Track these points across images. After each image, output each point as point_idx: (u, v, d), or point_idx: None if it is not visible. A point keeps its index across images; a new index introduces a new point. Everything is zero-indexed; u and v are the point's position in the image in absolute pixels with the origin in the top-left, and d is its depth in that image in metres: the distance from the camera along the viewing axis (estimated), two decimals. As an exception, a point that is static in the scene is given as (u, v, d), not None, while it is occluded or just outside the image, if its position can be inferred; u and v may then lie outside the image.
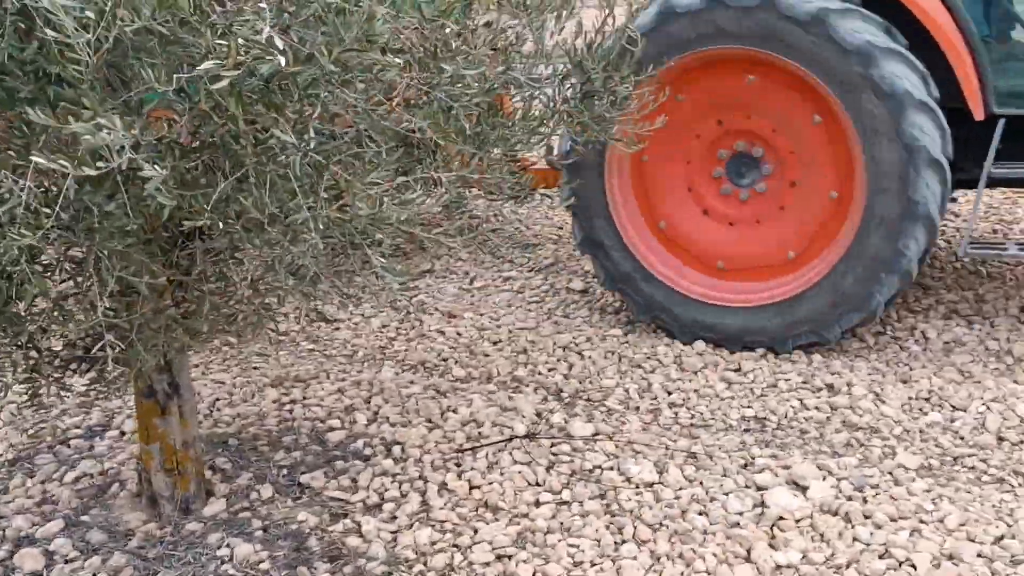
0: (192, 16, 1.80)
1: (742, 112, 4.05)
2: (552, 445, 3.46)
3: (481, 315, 4.75)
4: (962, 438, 3.35)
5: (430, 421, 3.68)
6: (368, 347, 4.45)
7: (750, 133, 4.09)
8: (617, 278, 4.28)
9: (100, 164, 1.73)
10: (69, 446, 3.56)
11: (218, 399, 3.92)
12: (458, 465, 3.38)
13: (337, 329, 4.65)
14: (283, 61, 1.78)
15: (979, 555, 2.67)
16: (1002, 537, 2.76)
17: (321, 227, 2.01)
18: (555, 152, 4.96)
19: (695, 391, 3.84)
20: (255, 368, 4.26)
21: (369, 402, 3.87)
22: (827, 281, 3.90)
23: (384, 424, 3.68)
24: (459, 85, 2.42)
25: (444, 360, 4.27)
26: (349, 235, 2.16)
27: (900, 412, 3.54)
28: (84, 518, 3.06)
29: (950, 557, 2.68)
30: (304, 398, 3.91)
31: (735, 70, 3.96)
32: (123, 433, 3.62)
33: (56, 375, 2.69)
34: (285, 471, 3.36)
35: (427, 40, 2.32)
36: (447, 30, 2.28)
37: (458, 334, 4.54)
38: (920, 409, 3.56)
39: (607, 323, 4.53)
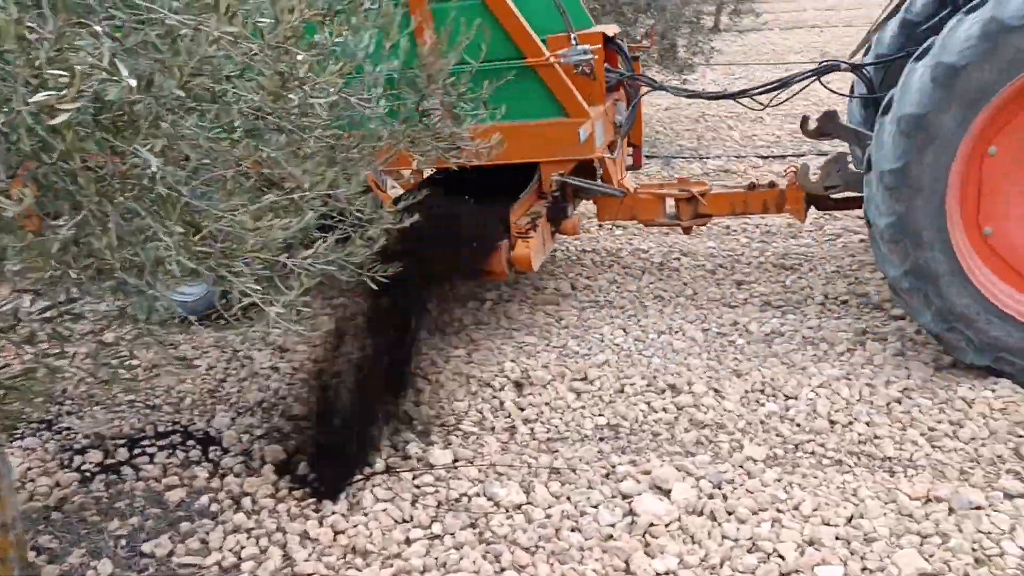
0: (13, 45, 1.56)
1: None
2: (414, 477, 3.35)
3: (316, 347, 4.53)
4: (799, 425, 3.56)
5: (278, 466, 3.46)
6: (196, 392, 4.13)
7: None
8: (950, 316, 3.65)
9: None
10: None
11: (30, 468, 3.50)
12: (317, 511, 3.19)
13: (156, 376, 4.29)
14: (133, 83, 1.58)
15: (837, 537, 2.84)
16: (852, 517, 2.94)
17: (181, 261, 1.81)
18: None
19: (546, 404, 3.85)
20: (67, 428, 3.85)
21: (207, 454, 3.58)
22: None
23: (228, 476, 3.42)
24: (306, 117, 2.28)
25: (282, 398, 4.04)
26: (210, 268, 1.97)
27: (740, 406, 3.72)
28: None
29: (811, 543, 2.83)
30: (132, 457, 3.57)
31: None
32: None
33: None
34: (123, 541, 3.04)
35: (272, 67, 2.16)
36: (297, 57, 2.13)
37: (294, 369, 4.31)
38: (757, 401, 3.76)
39: (450, 344, 4.46)
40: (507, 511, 3.13)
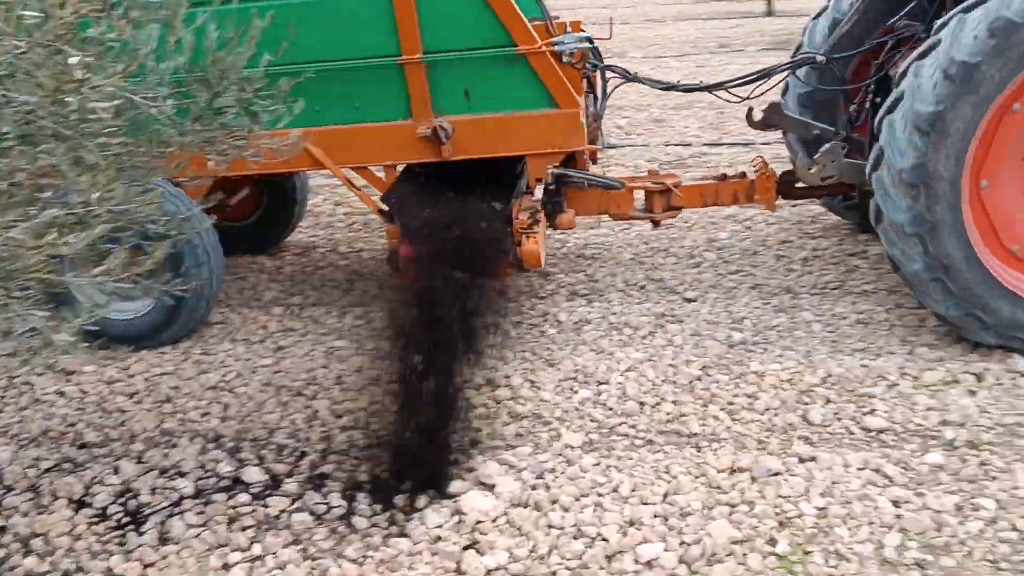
0: None
1: None
2: (228, 498, 3.18)
3: (120, 367, 4.20)
4: (611, 409, 3.69)
5: (73, 500, 3.18)
6: (-32, 427, 3.71)
7: None
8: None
9: None
10: None
11: None
12: (122, 544, 2.96)
13: (-83, 411, 3.82)
14: None
15: (655, 515, 2.96)
16: (667, 494, 3.08)
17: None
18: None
19: (363, 409, 3.77)
20: None
21: (-14, 494, 3.23)
22: None
23: (14, 516, 3.10)
24: (86, 123, 2.09)
25: (72, 425, 3.71)
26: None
27: (555, 395, 3.81)
28: None
29: (632, 523, 2.94)
30: None
31: None
32: None
33: None
34: None
35: (44, 67, 1.96)
36: (71, 59, 1.94)
37: (83, 392, 3.97)
38: (571, 388, 3.86)
39: (256, 353, 4.27)
40: (330, 524, 3.04)
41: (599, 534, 2.89)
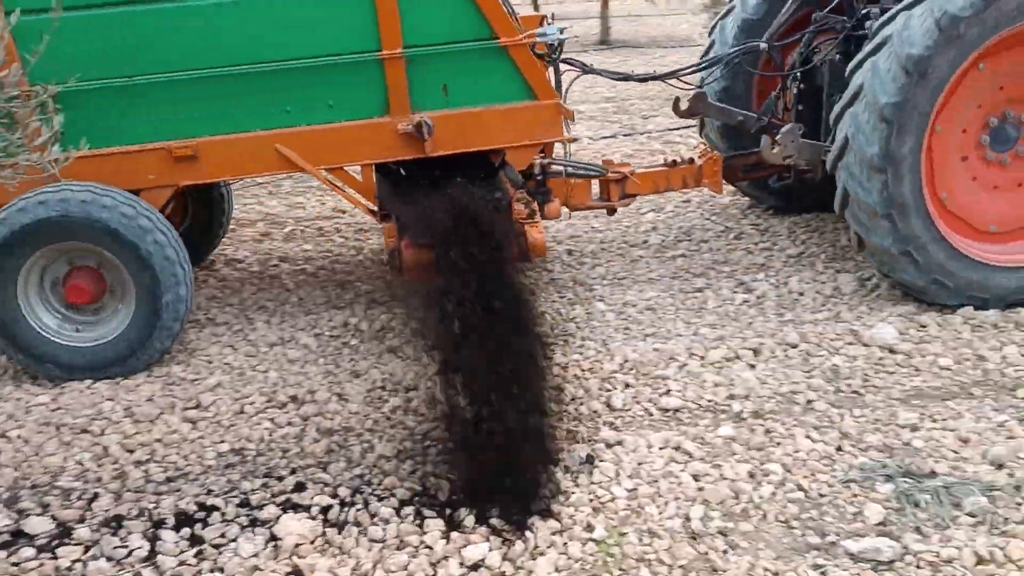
0: None
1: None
2: (8, 555, 2.86)
3: None
4: (422, 415, 3.67)
5: None
6: None
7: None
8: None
9: None
10: None
11: None
12: None
13: None
14: None
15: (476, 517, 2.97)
16: (487, 493, 3.11)
17: None
18: None
19: (158, 441, 3.53)
20: None
21: None
22: None
23: None
24: None
25: None
26: None
27: (365, 406, 3.74)
28: None
29: (455, 527, 2.93)
30: None
31: None
32: None
33: None
34: None
35: None
36: None
37: None
38: (380, 398, 3.80)
39: (28, 392, 3.87)
40: (131, 568, 2.81)
41: (422, 542, 2.86)
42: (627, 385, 3.78)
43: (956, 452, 3.20)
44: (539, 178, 4.37)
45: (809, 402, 3.58)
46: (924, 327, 4.13)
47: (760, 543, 2.81)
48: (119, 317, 3.99)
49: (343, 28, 3.95)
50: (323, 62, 3.98)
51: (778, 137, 4.83)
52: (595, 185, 4.83)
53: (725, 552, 2.77)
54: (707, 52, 5.58)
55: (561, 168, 4.54)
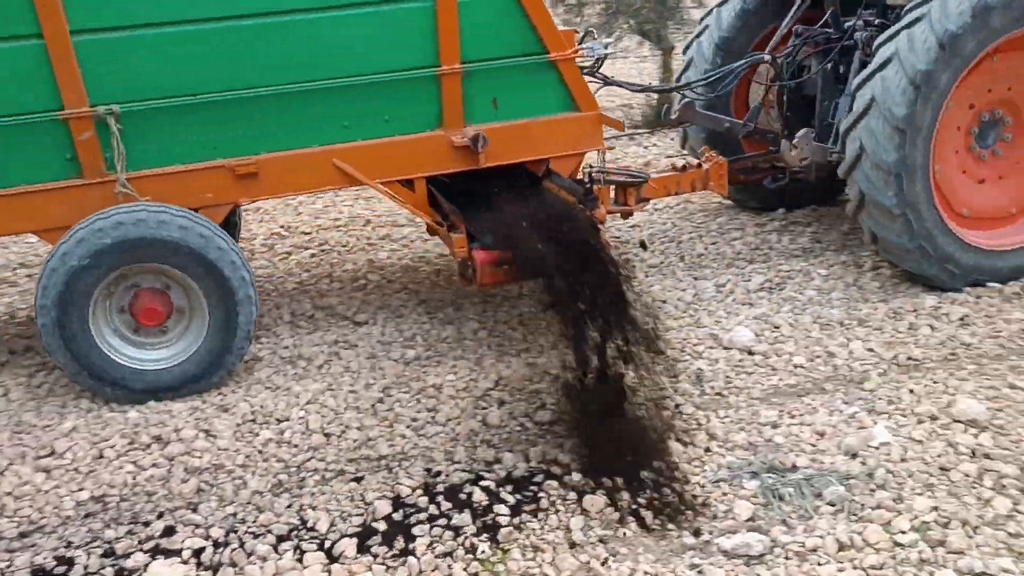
0: None
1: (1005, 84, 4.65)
2: None
3: None
4: (296, 446, 3.58)
5: None
6: None
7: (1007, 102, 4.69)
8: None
9: None
10: None
11: None
12: None
13: None
14: None
15: (357, 547, 2.92)
16: (365, 523, 3.05)
17: None
18: None
19: (8, 494, 3.29)
20: None
21: None
22: None
23: None
24: None
25: None
26: None
27: (235, 441, 3.61)
28: None
29: (333, 559, 2.88)
30: None
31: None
32: None
33: None
34: None
35: None
36: None
37: None
38: (251, 431, 3.68)
39: None
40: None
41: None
42: (502, 402, 3.80)
43: (814, 445, 3.39)
44: (588, 186, 4.47)
45: (677, 406, 3.71)
46: (777, 328, 4.36)
47: (639, 548, 2.88)
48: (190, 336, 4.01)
49: (404, 45, 4.06)
50: (382, 78, 4.07)
51: (795, 140, 5.18)
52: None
53: (605, 561, 2.82)
54: (685, 70, 5.88)
55: (601, 175, 4.64)
